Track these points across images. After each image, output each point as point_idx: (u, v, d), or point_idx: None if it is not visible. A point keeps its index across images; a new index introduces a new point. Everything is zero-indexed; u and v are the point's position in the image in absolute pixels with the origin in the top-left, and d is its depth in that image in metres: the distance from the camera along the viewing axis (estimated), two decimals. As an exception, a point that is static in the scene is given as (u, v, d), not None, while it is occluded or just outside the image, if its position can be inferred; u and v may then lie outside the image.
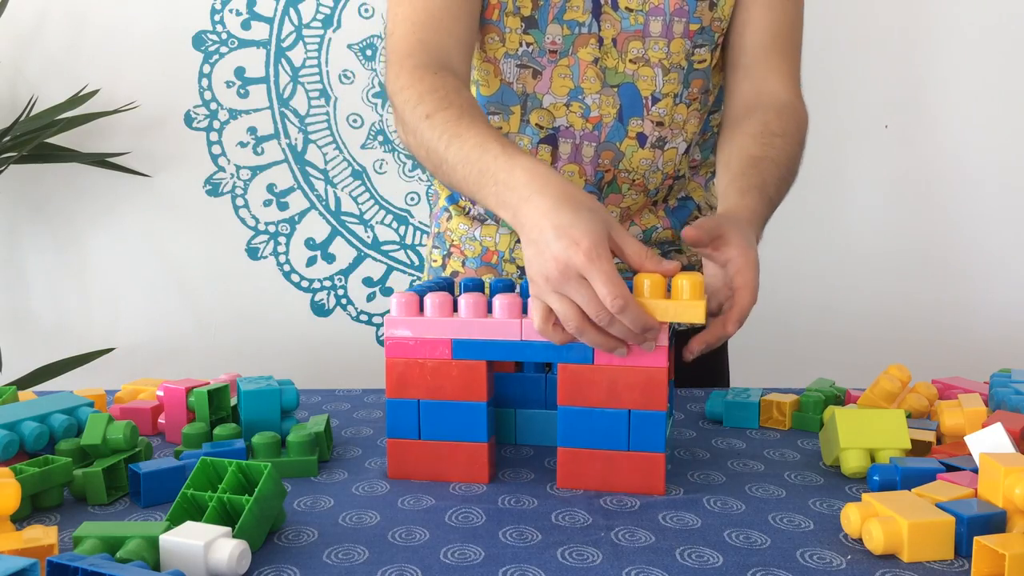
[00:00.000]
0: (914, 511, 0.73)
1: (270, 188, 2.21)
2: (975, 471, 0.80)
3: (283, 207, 2.22)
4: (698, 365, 0.93)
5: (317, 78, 2.15)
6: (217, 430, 0.95)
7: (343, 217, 2.22)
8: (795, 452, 0.98)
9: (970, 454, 0.84)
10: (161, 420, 1.05)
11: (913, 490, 0.78)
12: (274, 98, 2.17)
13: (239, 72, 2.14)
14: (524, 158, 0.86)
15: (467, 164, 0.89)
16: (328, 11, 2.12)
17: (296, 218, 2.22)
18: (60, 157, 2.08)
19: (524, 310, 0.87)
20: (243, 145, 2.18)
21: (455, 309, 0.88)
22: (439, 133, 0.93)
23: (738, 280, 0.86)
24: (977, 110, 2.16)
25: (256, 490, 0.74)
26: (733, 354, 2.24)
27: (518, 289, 1.02)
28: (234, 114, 2.17)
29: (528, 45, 1.10)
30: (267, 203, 2.22)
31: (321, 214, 2.23)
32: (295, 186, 2.21)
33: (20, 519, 0.81)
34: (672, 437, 0.99)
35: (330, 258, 2.23)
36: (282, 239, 2.24)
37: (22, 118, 1.98)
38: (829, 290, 2.23)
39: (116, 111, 2.06)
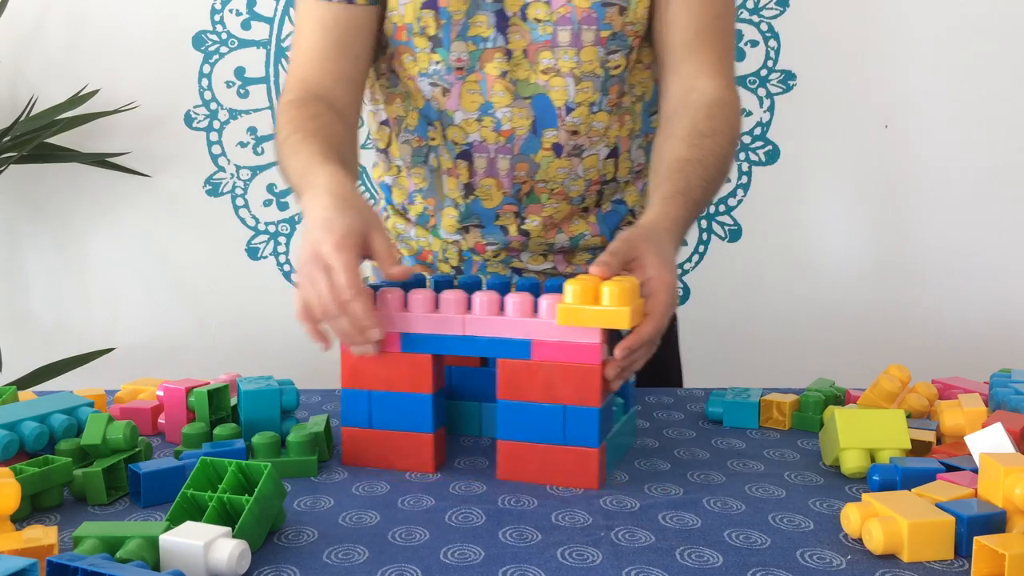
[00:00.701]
0: (914, 511, 0.73)
1: (270, 188, 2.21)
2: (975, 471, 0.80)
3: (283, 207, 2.22)
4: (649, 367, 0.94)
5: (317, 78, 2.15)
6: (217, 430, 0.95)
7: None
8: (795, 452, 0.98)
9: (970, 454, 0.84)
10: (161, 420, 1.05)
11: (913, 490, 0.77)
12: (274, 98, 2.17)
13: (239, 72, 2.14)
14: (333, 167, 0.95)
15: (296, 174, 1.00)
16: (328, 11, 2.12)
17: (296, 218, 2.22)
18: (60, 157, 2.08)
19: (469, 306, 0.89)
20: (243, 145, 2.18)
21: (406, 305, 0.91)
22: (288, 153, 1.02)
23: (648, 305, 0.87)
24: (978, 109, 2.16)
25: (256, 490, 0.74)
26: (735, 354, 2.25)
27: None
28: (234, 114, 2.17)
29: (436, 64, 1.11)
30: (267, 203, 2.22)
31: (321, 214, 2.22)
32: (295, 186, 2.21)
33: (20, 519, 0.81)
34: (629, 433, 0.99)
35: (330, 258, 2.23)
36: (282, 239, 2.24)
37: (22, 118, 1.98)
38: (829, 290, 2.23)
39: (116, 111, 2.06)
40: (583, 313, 0.83)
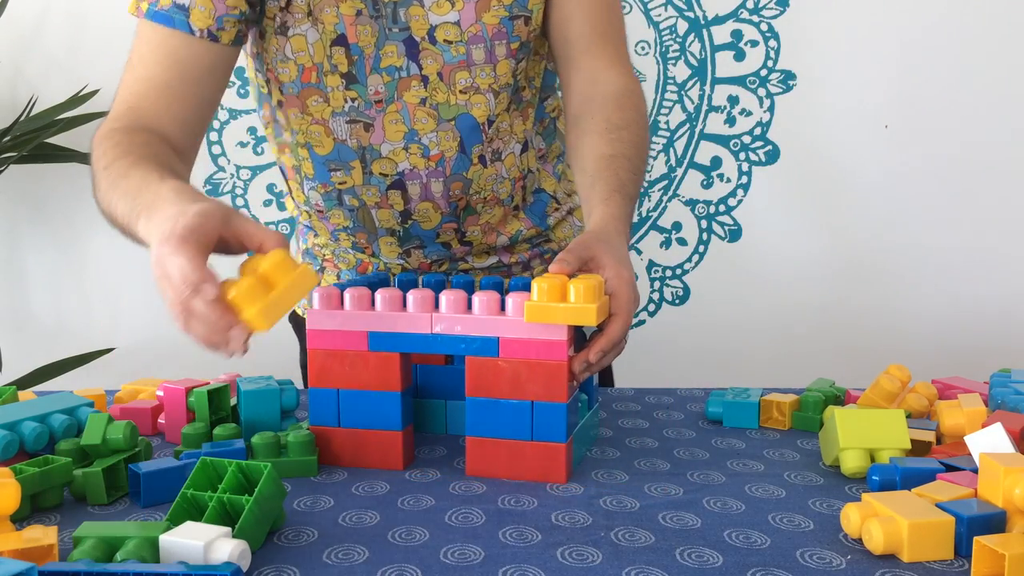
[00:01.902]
0: (914, 511, 0.73)
1: (270, 188, 2.21)
2: (975, 471, 0.80)
3: (283, 207, 2.22)
4: None
5: (317, 78, 2.15)
6: (217, 430, 0.95)
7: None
8: (795, 452, 0.98)
9: (970, 454, 0.84)
10: (161, 420, 1.05)
11: (913, 490, 0.77)
12: (274, 98, 2.17)
13: (239, 72, 2.14)
14: (175, 182, 0.84)
15: (126, 198, 0.87)
16: (328, 11, 2.12)
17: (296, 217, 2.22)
18: (60, 157, 2.08)
19: (436, 304, 0.90)
20: (243, 145, 2.18)
21: (373, 304, 0.92)
22: (115, 177, 0.90)
23: (613, 305, 0.89)
24: (978, 109, 2.16)
25: (256, 490, 0.74)
26: (735, 353, 2.24)
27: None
28: (234, 114, 2.17)
29: (353, 100, 1.09)
30: (267, 203, 2.22)
31: (321, 214, 2.23)
32: (295, 186, 2.21)
33: (20, 519, 0.81)
34: (594, 426, 1.01)
35: (330, 258, 2.23)
36: (282, 239, 2.23)
37: (22, 118, 1.98)
38: (829, 290, 2.23)
39: (116, 111, 2.06)
40: (551, 310, 0.85)
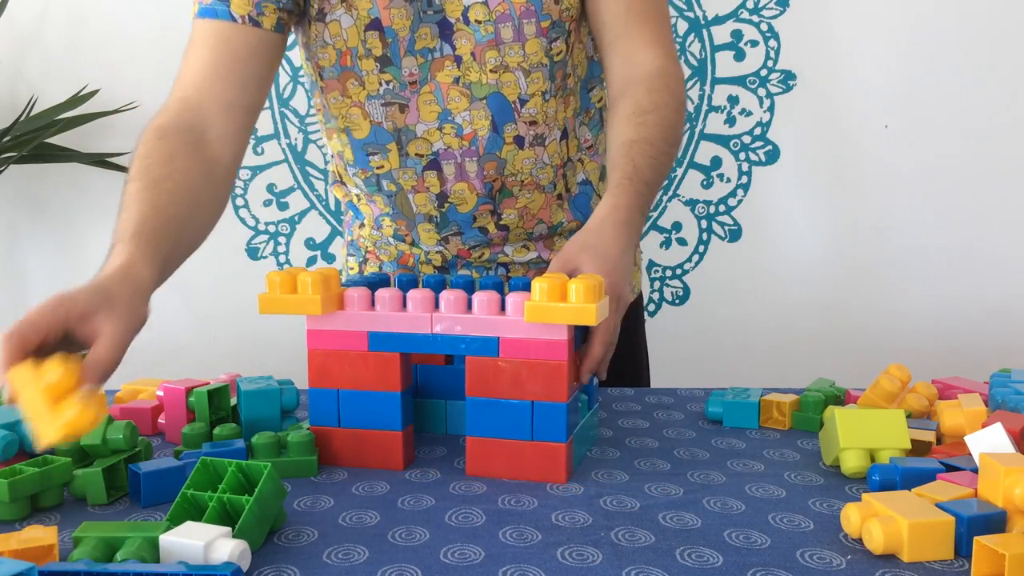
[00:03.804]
0: (914, 511, 0.73)
1: (270, 188, 2.21)
2: (975, 471, 0.80)
3: (283, 207, 2.22)
4: (614, 365, 0.98)
5: (317, 78, 2.15)
6: (217, 430, 0.95)
7: (343, 217, 2.22)
8: (795, 452, 0.98)
9: (970, 454, 0.84)
10: (161, 420, 1.05)
11: (913, 490, 0.77)
12: (274, 98, 2.17)
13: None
14: (131, 249, 0.88)
15: (112, 235, 0.92)
16: (328, 11, 2.12)
17: (296, 218, 2.22)
18: (60, 157, 2.08)
19: (436, 304, 0.90)
20: (243, 145, 2.18)
21: (373, 304, 0.92)
22: (123, 202, 0.96)
23: None
24: (978, 109, 2.16)
25: (256, 490, 0.74)
26: (735, 353, 2.25)
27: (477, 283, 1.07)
28: (234, 114, 2.16)
29: (388, 83, 1.12)
30: (267, 203, 2.22)
31: (321, 214, 2.23)
32: (295, 186, 2.22)
33: (20, 519, 0.81)
34: (594, 426, 1.01)
35: (330, 258, 2.23)
36: (282, 239, 2.24)
37: (22, 118, 1.98)
38: (829, 290, 2.23)
39: (116, 111, 2.06)
40: (551, 310, 0.85)
